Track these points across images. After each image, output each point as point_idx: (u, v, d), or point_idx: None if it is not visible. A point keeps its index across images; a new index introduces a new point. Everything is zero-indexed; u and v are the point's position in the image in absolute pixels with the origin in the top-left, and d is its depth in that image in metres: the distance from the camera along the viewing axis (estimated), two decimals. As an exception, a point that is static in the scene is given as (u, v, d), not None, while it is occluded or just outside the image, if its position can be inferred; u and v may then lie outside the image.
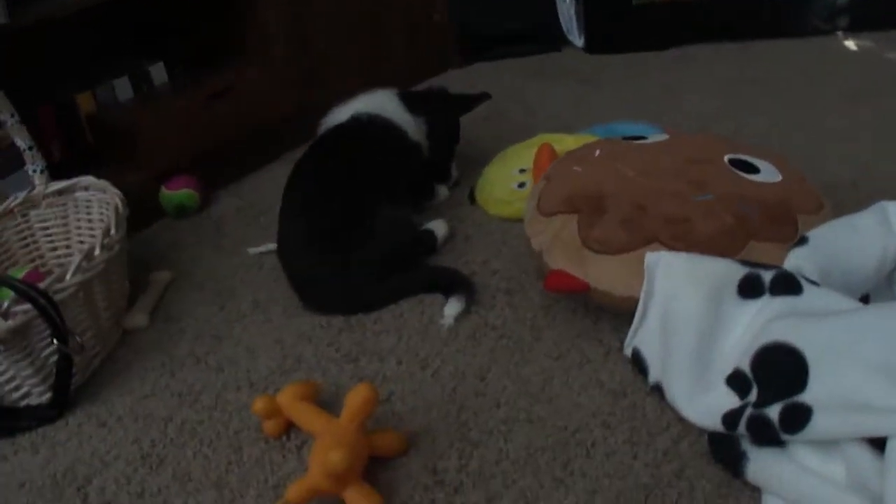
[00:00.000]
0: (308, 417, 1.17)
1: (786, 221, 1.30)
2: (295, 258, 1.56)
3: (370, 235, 1.53)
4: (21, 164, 1.66)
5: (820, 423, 1.00)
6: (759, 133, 1.95)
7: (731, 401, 1.12)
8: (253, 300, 1.60)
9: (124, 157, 1.94)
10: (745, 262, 1.18)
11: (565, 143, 1.74)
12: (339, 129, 1.74)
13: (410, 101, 1.81)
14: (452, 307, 1.45)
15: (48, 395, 1.36)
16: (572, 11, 2.64)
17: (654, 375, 1.23)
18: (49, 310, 1.29)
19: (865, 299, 1.22)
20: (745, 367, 1.10)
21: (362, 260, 1.51)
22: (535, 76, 2.50)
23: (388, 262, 1.53)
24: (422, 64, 2.48)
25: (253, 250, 1.76)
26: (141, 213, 1.87)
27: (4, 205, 1.64)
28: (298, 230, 1.58)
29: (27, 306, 1.28)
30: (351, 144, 1.71)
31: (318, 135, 1.78)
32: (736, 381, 1.12)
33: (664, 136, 1.57)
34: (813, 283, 1.15)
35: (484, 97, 1.91)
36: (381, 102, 1.79)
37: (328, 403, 1.25)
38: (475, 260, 1.61)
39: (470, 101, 1.90)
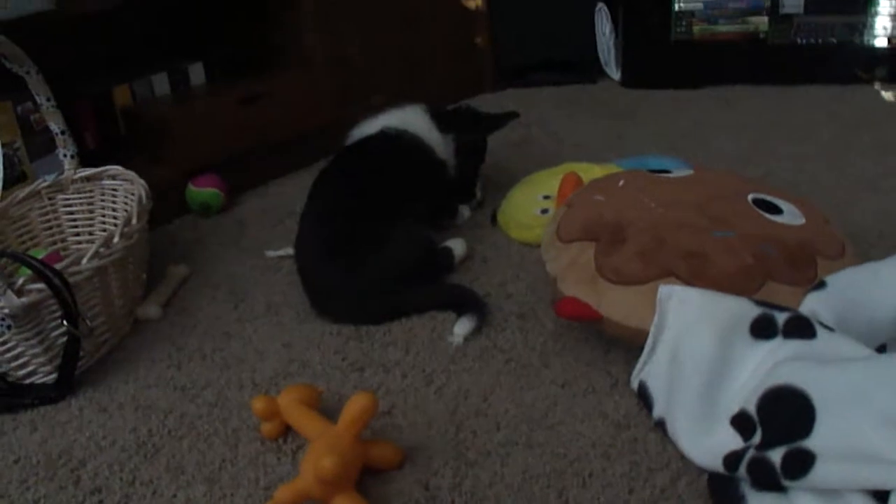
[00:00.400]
0: (305, 421, 1.17)
1: (806, 265, 1.28)
2: (310, 264, 1.56)
3: (386, 249, 1.52)
4: (53, 147, 1.68)
5: (823, 471, 0.98)
6: (788, 177, 1.94)
7: (734, 442, 1.10)
8: (266, 302, 1.61)
9: (155, 152, 1.97)
10: (759, 302, 1.17)
11: (592, 172, 1.74)
12: (367, 141, 1.75)
13: (440, 118, 1.82)
14: (463, 326, 1.45)
15: (53, 376, 1.37)
16: (611, 44, 2.65)
17: (658, 410, 1.21)
18: (63, 291, 1.30)
19: (882, 350, 1.20)
20: (751, 408, 1.09)
21: (376, 272, 1.51)
22: (568, 106, 2.50)
23: (403, 277, 1.53)
24: (456, 86, 2.49)
25: (271, 253, 1.76)
26: (166, 207, 1.89)
27: (33, 186, 1.67)
28: (316, 237, 1.58)
29: (41, 285, 1.29)
30: (376, 157, 1.72)
31: (344, 145, 1.78)
32: (740, 422, 1.10)
33: (689, 172, 1.56)
34: (828, 328, 1.13)
35: (512, 115, 1.90)
36: (411, 118, 1.79)
37: (329, 411, 1.25)
38: (491, 282, 1.61)
39: (499, 120, 1.90)
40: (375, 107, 1.84)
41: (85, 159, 1.72)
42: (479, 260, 1.68)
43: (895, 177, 1.93)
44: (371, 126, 1.78)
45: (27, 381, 1.37)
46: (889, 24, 2.47)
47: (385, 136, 1.74)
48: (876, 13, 2.47)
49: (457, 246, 1.67)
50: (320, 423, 1.15)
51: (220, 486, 1.16)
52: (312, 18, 2.09)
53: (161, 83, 2.07)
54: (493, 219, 1.82)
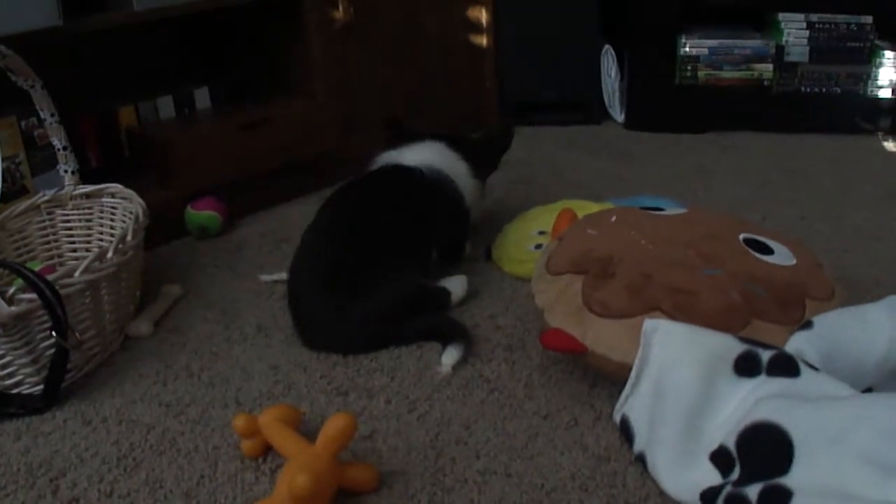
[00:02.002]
0: (283, 440, 1.17)
1: (794, 305, 1.28)
2: (301, 291, 1.56)
3: (377, 292, 1.51)
4: (55, 163, 1.70)
5: (799, 509, 0.98)
6: (787, 223, 1.94)
7: (712, 478, 1.10)
8: (257, 324, 1.61)
9: (157, 173, 1.98)
10: (744, 339, 1.17)
11: (588, 209, 1.74)
12: (398, 171, 1.71)
13: (472, 160, 1.78)
14: (450, 356, 1.44)
15: (40, 387, 1.37)
16: (616, 86, 2.67)
17: (639, 444, 1.21)
18: (53, 302, 1.31)
19: (868, 392, 1.20)
20: (731, 444, 1.08)
21: (363, 314, 1.50)
22: (571, 146, 2.52)
23: (391, 318, 1.52)
24: (460, 122, 2.50)
25: (265, 277, 1.77)
26: (165, 228, 1.91)
27: (32, 200, 1.68)
28: (312, 265, 1.58)
29: (33, 295, 1.30)
30: (407, 192, 1.68)
31: (367, 171, 1.75)
32: (720, 458, 1.10)
33: (682, 210, 1.57)
34: (812, 367, 1.13)
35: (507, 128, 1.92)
36: (449, 161, 1.75)
37: (311, 433, 1.23)
38: (481, 314, 1.61)
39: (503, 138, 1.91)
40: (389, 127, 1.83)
41: (88, 178, 1.74)
42: (472, 292, 1.68)
43: (893, 226, 1.93)
44: (403, 156, 1.74)
45: (13, 391, 1.38)
46: (893, 76, 2.48)
47: (421, 172, 1.69)
48: (880, 64, 2.49)
49: (456, 287, 1.64)
50: (298, 443, 1.15)
51: (198, 501, 1.16)
52: (317, 46, 2.11)
53: (166, 106, 2.10)
54: (488, 253, 1.83)
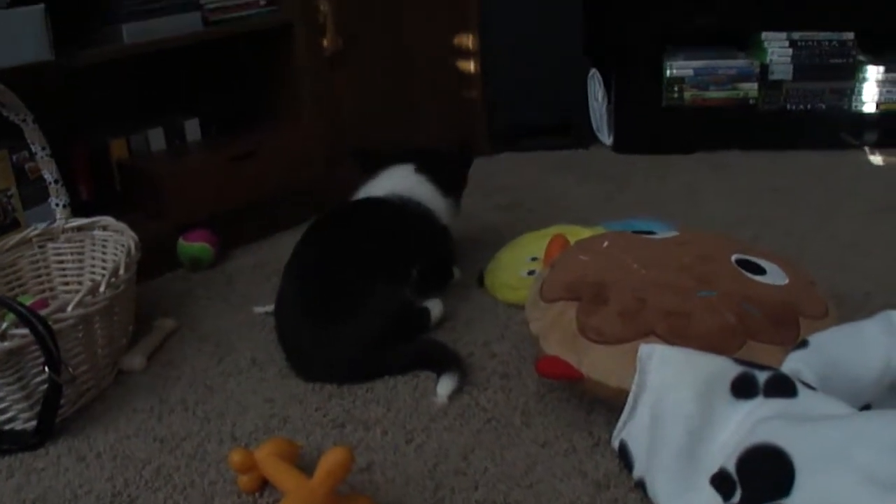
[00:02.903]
0: (280, 475, 1.16)
1: (788, 324, 1.29)
2: (287, 323, 1.57)
3: (361, 312, 1.52)
4: (47, 196, 1.69)
5: (802, 531, 0.98)
6: (777, 241, 1.95)
7: (713, 501, 1.09)
8: (251, 357, 1.61)
9: (148, 206, 1.98)
10: (740, 361, 1.16)
11: (580, 235, 1.74)
12: (370, 202, 1.74)
13: (441, 182, 1.81)
14: (445, 386, 1.44)
15: (33, 423, 1.36)
16: (603, 109, 2.68)
17: (639, 470, 1.20)
18: (46, 337, 1.30)
19: (866, 409, 1.20)
20: (731, 467, 1.08)
21: (349, 335, 1.50)
22: (560, 170, 2.53)
23: (378, 341, 1.52)
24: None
25: (258, 309, 1.77)
26: (157, 261, 1.90)
27: (24, 234, 1.68)
28: (294, 295, 1.58)
29: (25, 331, 1.30)
30: (379, 218, 1.71)
31: (346, 204, 1.77)
32: (720, 482, 1.09)
33: (674, 233, 1.57)
34: (810, 387, 1.12)
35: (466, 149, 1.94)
36: (415, 186, 1.78)
37: (309, 466, 1.22)
38: (475, 341, 1.61)
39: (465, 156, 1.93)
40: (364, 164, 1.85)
41: (79, 211, 1.74)
42: (465, 321, 1.68)
43: (883, 240, 1.94)
44: (374, 188, 1.77)
45: (6, 427, 1.36)
46: (876, 90, 2.50)
47: (390, 201, 1.72)
48: (864, 79, 2.51)
49: (434, 307, 1.66)
50: (296, 477, 1.14)
51: (194, 538, 1.15)
52: (306, 76, 2.12)
53: (157, 138, 2.10)
54: (480, 280, 1.83)
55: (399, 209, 1.72)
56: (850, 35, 2.51)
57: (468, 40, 2.52)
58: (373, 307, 1.53)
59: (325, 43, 2.14)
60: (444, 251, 1.81)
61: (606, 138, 2.70)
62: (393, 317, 1.56)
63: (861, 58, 2.52)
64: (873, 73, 2.50)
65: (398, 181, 1.77)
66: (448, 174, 1.85)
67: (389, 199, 1.73)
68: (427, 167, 1.82)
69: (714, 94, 2.57)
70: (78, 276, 1.73)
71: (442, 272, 1.81)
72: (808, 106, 2.56)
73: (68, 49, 1.72)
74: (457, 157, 1.91)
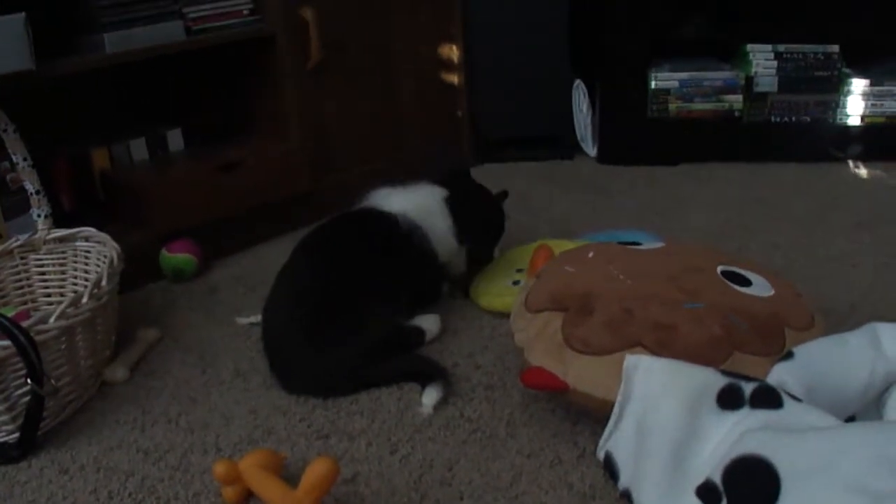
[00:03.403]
0: (265, 485, 1.15)
1: (774, 336, 1.29)
2: (276, 335, 1.55)
3: (354, 334, 1.51)
4: (28, 208, 1.68)
5: (787, 543, 0.97)
6: (762, 253, 1.95)
7: (699, 513, 1.09)
8: (235, 368, 1.60)
9: (131, 216, 1.97)
10: (726, 373, 1.16)
11: (565, 248, 1.75)
12: (377, 216, 1.67)
13: (460, 224, 1.72)
14: (430, 396, 1.43)
15: (16, 435, 1.35)
16: (588, 120, 2.69)
17: (624, 481, 1.20)
18: (28, 349, 1.29)
19: (851, 421, 1.20)
20: (717, 478, 1.07)
21: (340, 356, 1.49)
22: (545, 181, 2.53)
23: (367, 360, 1.50)
24: (433, 159, 2.51)
25: (242, 320, 1.76)
26: (140, 272, 1.89)
27: (5, 245, 1.67)
28: (288, 303, 1.56)
29: (7, 343, 1.28)
30: (379, 239, 1.65)
31: (352, 211, 1.72)
32: (706, 493, 1.09)
33: (660, 244, 1.58)
34: (795, 398, 1.12)
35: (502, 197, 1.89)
36: (432, 217, 1.69)
37: (293, 477, 1.22)
38: (460, 352, 1.60)
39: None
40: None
41: (62, 222, 1.72)
42: (450, 332, 1.68)
43: (868, 253, 1.95)
44: (387, 201, 1.69)
45: (-13, 441, 1.35)
46: (861, 103, 2.52)
47: (396, 223, 1.64)
48: (849, 92, 2.53)
49: (430, 325, 1.64)
50: (280, 488, 1.13)
51: (177, 552, 1.14)
52: (289, 87, 2.12)
53: (139, 148, 2.09)
54: (466, 292, 1.82)
55: (401, 233, 1.64)
56: (835, 48, 2.52)
57: (453, 51, 2.52)
58: (366, 332, 1.51)
59: (309, 55, 2.14)
60: (434, 286, 1.78)
61: (591, 149, 2.70)
62: (386, 340, 1.55)
63: (846, 70, 2.53)
64: (858, 86, 2.52)
65: (417, 203, 1.69)
66: (472, 220, 1.76)
67: (395, 217, 1.65)
68: (457, 204, 1.74)
69: (699, 105, 2.58)
70: (60, 287, 1.72)
71: (428, 296, 1.77)
72: (793, 118, 2.57)
73: (50, 58, 1.71)
74: (493, 204, 1.85)
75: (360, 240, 1.66)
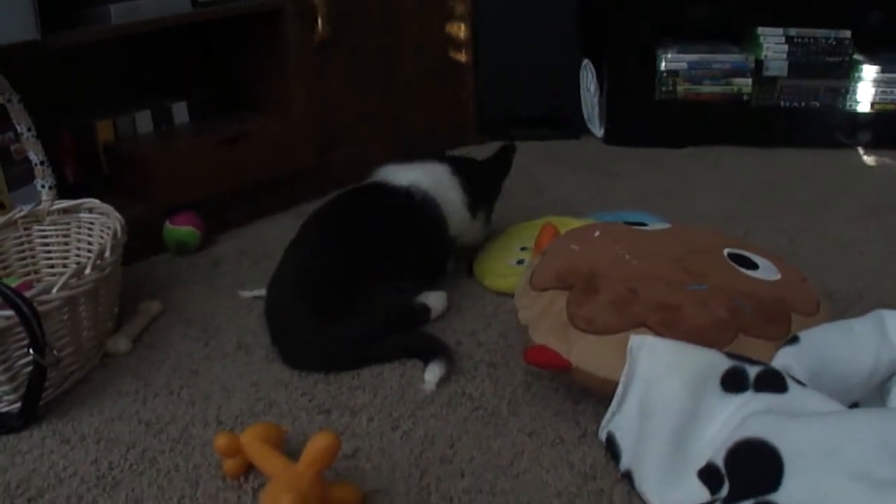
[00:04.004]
0: (265, 459, 1.15)
1: (779, 320, 1.28)
2: (279, 308, 1.55)
3: (361, 309, 1.50)
4: (32, 179, 1.68)
5: (789, 526, 0.97)
6: (768, 237, 1.95)
7: (701, 495, 1.09)
8: (237, 341, 1.59)
9: (135, 189, 1.96)
10: (731, 355, 1.16)
11: (570, 225, 1.74)
12: (387, 189, 1.67)
13: (472, 195, 1.74)
14: (433, 373, 1.43)
15: (17, 405, 1.35)
16: (595, 101, 2.67)
17: (626, 462, 1.20)
18: (31, 319, 1.29)
19: (855, 407, 1.19)
20: (719, 461, 1.07)
21: (345, 332, 1.49)
22: (550, 161, 2.52)
23: (371, 336, 1.50)
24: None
25: (245, 294, 1.75)
26: (143, 244, 1.88)
27: (9, 216, 1.66)
28: (295, 277, 1.56)
29: (10, 313, 1.28)
30: (391, 212, 1.65)
31: (363, 184, 1.72)
32: (708, 475, 1.09)
33: (666, 225, 1.57)
34: (800, 383, 1.12)
35: (509, 150, 1.88)
36: (444, 188, 1.71)
37: (294, 451, 1.22)
38: (463, 330, 1.60)
39: (500, 164, 1.88)
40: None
41: (65, 194, 1.72)
42: (453, 309, 1.67)
43: (875, 240, 1.94)
44: (396, 175, 1.70)
45: (-10, 410, 1.35)
46: (872, 90, 2.50)
47: (408, 193, 1.66)
48: (859, 78, 2.51)
49: (436, 303, 1.64)
50: (281, 462, 1.13)
51: (177, 523, 1.14)
52: (295, 62, 2.10)
53: (144, 121, 2.08)
54: (469, 269, 1.82)
55: (412, 205, 1.65)
56: (847, 33, 2.50)
57: (460, 30, 2.51)
58: (372, 306, 1.51)
59: (315, 30, 2.12)
60: (443, 258, 1.77)
61: (597, 130, 2.69)
62: (392, 317, 1.55)
63: (857, 57, 2.52)
64: (869, 73, 2.50)
65: (425, 175, 1.70)
66: (482, 184, 1.79)
67: (406, 189, 1.66)
68: (463, 173, 1.75)
69: (708, 88, 2.57)
70: (63, 258, 1.71)
71: (436, 271, 1.77)
72: (802, 103, 2.56)
73: (55, 29, 1.70)
74: (494, 163, 1.87)
75: (370, 214, 1.65)
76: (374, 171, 1.74)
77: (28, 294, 1.30)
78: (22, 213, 1.66)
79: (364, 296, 1.52)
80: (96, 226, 1.67)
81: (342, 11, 2.17)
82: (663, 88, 2.58)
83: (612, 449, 1.23)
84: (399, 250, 1.62)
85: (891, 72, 2.49)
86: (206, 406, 1.40)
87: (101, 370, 1.51)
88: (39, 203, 1.67)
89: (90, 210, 1.67)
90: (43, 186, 1.66)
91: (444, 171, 1.74)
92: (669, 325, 1.25)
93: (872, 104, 2.52)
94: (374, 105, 2.34)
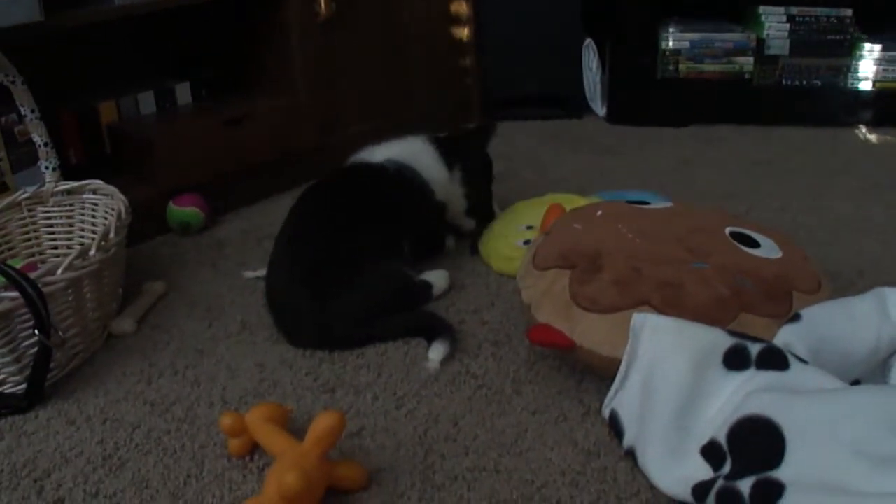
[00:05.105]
0: (271, 438, 1.16)
1: (781, 298, 1.29)
2: (278, 287, 1.56)
3: (361, 285, 1.51)
4: (36, 160, 1.68)
5: (792, 502, 0.98)
6: (771, 215, 1.95)
7: (704, 472, 1.10)
8: (241, 321, 1.60)
9: (138, 170, 1.97)
10: (733, 333, 1.16)
11: (575, 203, 1.74)
12: (364, 169, 1.72)
13: (444, 151, 1.78)
14: (437, 351, 1.44)
15: (23, 386, 1.36)
16: (597, 80, 2.67)
17: (629, 439, 1.21)
18: (36, 300, 1.29)
19: (856, 385, 1.20)
20: (721, 438, 1.08)
21: (347, 307, 1.50)
22: (553, 140, 2.52)
23: (371, 313, 1.51)
24: (443, 116, 2.50)
25: (249, 274, 1.76)
26: (146, 225, 1.89)
27: (13, 197, 1.66)
28: (288, 260, 1.57)
29: (15, 293, 1.29)
30: (369, 188, 1.68)
31: (342, 168, 1.75)
32: (710, 452, 1.10)
33: (668, 204, 1.57)
34: (801, 360, 1.13)
35: (489, 128, 1.91)
36: (416, 152, 1.75)
37: (299, 431, 1.23)
38: (466, 309, 1.61)
39: (481, 135, 1.91)
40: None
41: (69, 175, 1.72)
42: (458, 288, 1.68)
43: (876, 218, 1.94)
44: (372, 154, 1.73)
45: (-4, 391, 1.36)
46: (873, 68, 2.50)
47: (384, 168, 1.69)
48: (861, 57, 2.50)
49: (438, 280, 1.65)
50: (286, 441, 1.14)
51: (184, 501, 1.15)
52: (298, 41, 2.10)
53: (147, 101, 2.08)
54: (474, 249, 1.82)
55: (393, 177, 1.69)
56: (849, 12, 2.49)
57: (462, 8, 2.50)
58: (373, 281, 1.52)
59: (318, 9, 2.12)
60: (433, 225, 1.79)
61: (600, 109, 2.68)
62: (393, 292, 1.56)
63: (859, 35, 2.51)
64: (871, 51, 2.49)
65: (401, 149, 1.74)
66: (458, 148, 1.82)
67: (383, 165, 1.70)
68: (440, 142, 1.80)
69: (709, 67, 2.56)
70: (67, 239, 1.72)
71: (431, 245, 1.79)
72: (804, 82, 2.55)
73: (58, 10, 1.69)
74: (473, 133, 1.91)
75: (353, 192, 1.67)
76: (351, 155, 1.77)
77: (33, 275, 1.31)
78: (26, 195, 1.67)
79: (357, 270, 1.52)
80: (100, 207, 1.67)
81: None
82: (665, 67, 2.57)
83: (615, 427, 1.24)
84: (389, 223, 1.63)
85: (892, 50, 2.49)
86: (210, 386, 1.41)
87: (105, 351, 1.52)
88: (43, 184, 1.68)
89: (94, 191, 1.67)
90: (47, 168, 1.66)
91: (419, 141, 1.79)
92: (672, 304, 1.26)
93: (874, 82, 2.52)
94: (377, 84, 2.33)
